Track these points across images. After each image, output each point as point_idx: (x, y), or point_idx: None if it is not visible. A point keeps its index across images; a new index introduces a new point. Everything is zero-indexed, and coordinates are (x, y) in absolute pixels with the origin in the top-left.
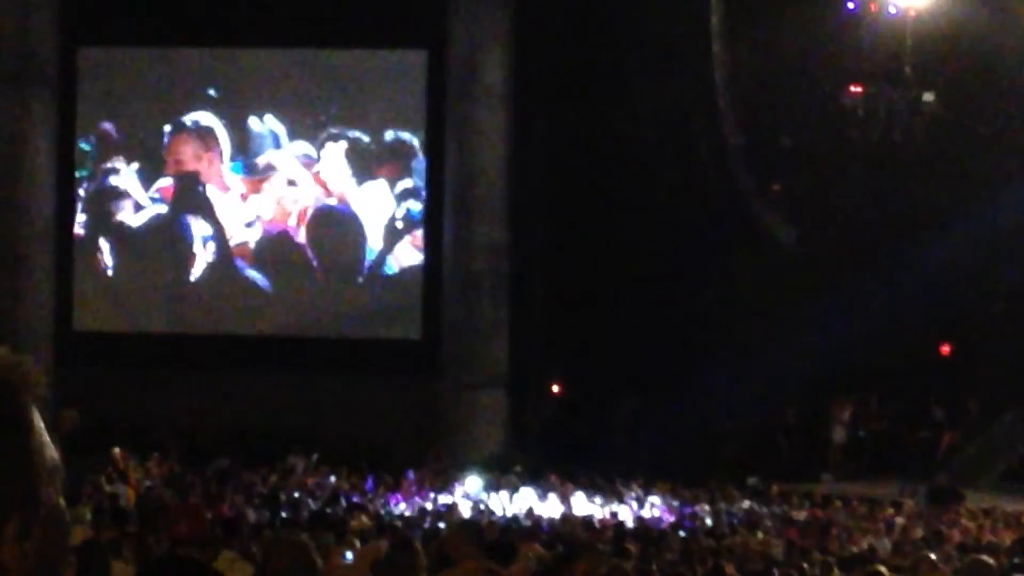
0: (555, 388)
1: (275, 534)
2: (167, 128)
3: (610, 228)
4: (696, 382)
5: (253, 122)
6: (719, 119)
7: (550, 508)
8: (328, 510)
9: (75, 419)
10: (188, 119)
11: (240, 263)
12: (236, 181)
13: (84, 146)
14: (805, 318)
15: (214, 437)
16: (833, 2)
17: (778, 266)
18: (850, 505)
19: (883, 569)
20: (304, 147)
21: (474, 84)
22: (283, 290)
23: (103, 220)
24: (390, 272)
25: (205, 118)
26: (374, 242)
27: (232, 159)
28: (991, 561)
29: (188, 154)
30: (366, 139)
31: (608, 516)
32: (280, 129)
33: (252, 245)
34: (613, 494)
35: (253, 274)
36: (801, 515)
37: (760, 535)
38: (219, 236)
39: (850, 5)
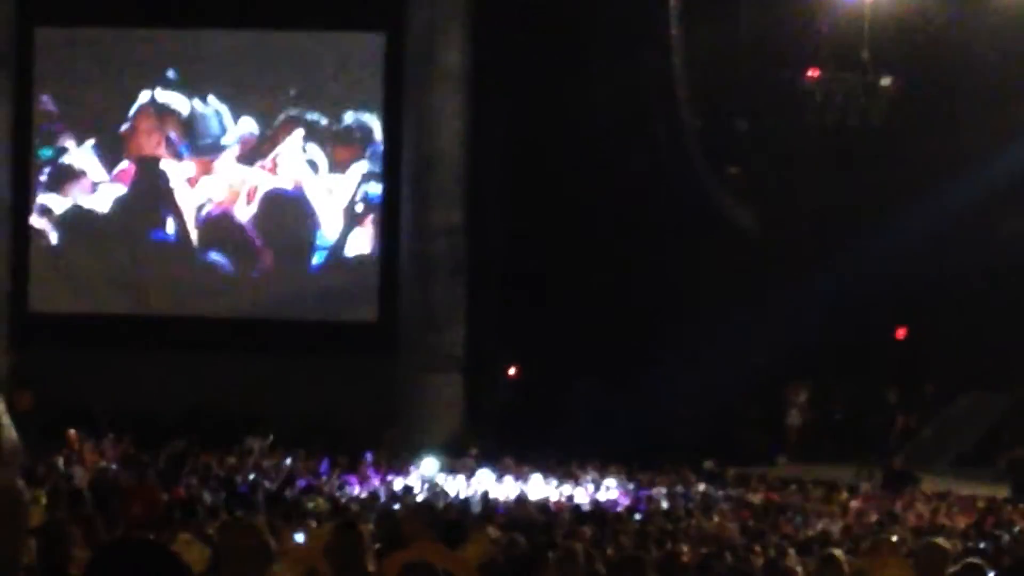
0: (512, 371)
1: (230, 516)
2: (125, 109)
3: (568, 211)
4: (653, 366)
5: (211, 103)
6: (677, 103)
7: (506, 491)
8: (284, 492)
9: (29, 400)
10: (146, 100)
11: (196, 245)
12: (193, 162)
13: (41, 127)
14: (762, 301)
15: (170, 419)
16: None
17: (736, 249)
18: (805, 488)
19: (837, 552)
20: (262, 129)
21: (432, 67)
22: (240, 272)
23: (59, 200)
24: (348, 255)
25: (163, 98)
26: (332, 225)
27: (189, 140)
28: (946, 544)
29: (145, 135)
30: (324, 122)
31: (564, 499)
32: (238, 111)
33: (209, 227)
34: (569, 477)
35: (209, 256)
36: (756, 498)
37: (715, 518)
38: (176, 217)
39: None
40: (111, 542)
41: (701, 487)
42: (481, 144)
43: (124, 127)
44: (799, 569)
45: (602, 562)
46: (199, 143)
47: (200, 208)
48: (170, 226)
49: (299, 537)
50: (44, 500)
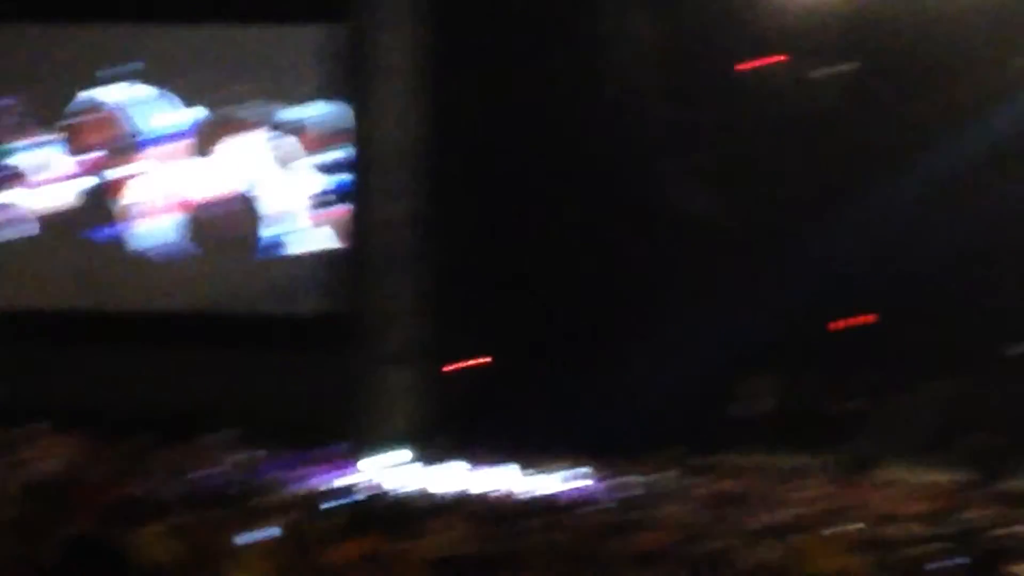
0: (478, 362)
1: (188, 513)
2: (71, 105)
3: (532, 201)
4: (621, 355)
5: (157, 97)
6: (632, 92)
7: (472, 482)
8: (242, 488)
9: None
10: (92, 96)
11: (147, 240)
12: (140, 157)
13: None
14: (727, 291)
15: (127, 415)
16: None
17: (699, 240)
18: (769, 476)
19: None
20: (210, 123)
21: (387, 58)
22: (196, 267)
23: (4, 196)
24: (305, 248)
25: (107, 94)
26: (287, 218)
27: (135, 136)
28: (904, 532)
29: (92, 131)
30: (276, 115)
31: (532, 490)
32: (185, 105)
33: (160, 222)
34: (537, 468)
35: (162, 250)
36: (721, 486)
37: (682, 506)
38: (124, 213)
39: None
40: (67, 540)
41: (668, 475)
42: (435, 136)
43: (69, 123)
44: (762, 556)
45: (570, 552)
46: (145, 138)
47: (149, 203)
48: (120, 222)
49: (259, 533)
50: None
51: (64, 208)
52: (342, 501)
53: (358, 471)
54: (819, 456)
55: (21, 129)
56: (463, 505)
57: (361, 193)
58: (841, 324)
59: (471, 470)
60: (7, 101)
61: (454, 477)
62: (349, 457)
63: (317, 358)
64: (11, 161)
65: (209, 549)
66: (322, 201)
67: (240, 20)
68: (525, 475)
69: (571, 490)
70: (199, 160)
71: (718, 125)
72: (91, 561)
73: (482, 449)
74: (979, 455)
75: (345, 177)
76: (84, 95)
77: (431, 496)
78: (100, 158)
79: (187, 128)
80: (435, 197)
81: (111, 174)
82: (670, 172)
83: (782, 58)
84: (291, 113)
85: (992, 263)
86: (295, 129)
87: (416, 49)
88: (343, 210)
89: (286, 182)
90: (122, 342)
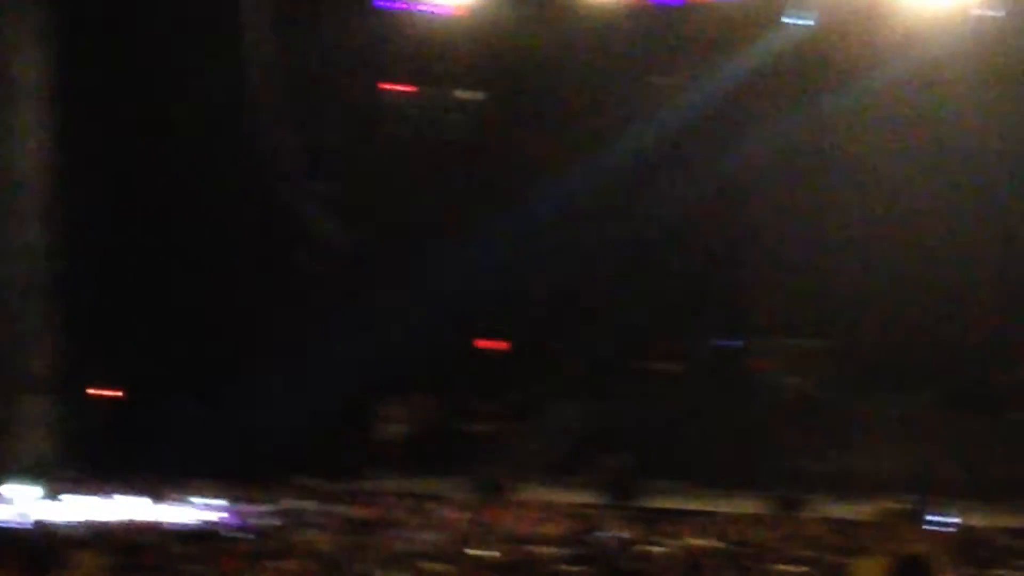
0: (112, 392)
1: None
2: None
3: (159, 227)
4: (249, 381)
5: None
6: (263, 117)
7: (103, 513)
8: None
9: None
10: None
11: None
12: None
13: None
14: (356, 314)
15: None
16: None
17: (328, 264)
18: (401, 501)
19: (434, 564)
20: None
21: (9, 84)
22: None
23: None
24: None
25: None
26: None
27: None
28: (540, 552)
29: None
30: None
31: (169, 520)
32: None
33: None
34: (166, 497)
35: None
36: (352, 512)
37: (311, 533)
38: None
39: (391, 4)
40: None
41: (295, 502)
42: (66, 161)
43: None
44: None
45: None
46: None
47: None
48: None
49: None
50: None
51: None
52: None
53: None
54: (455, 479)
55: None
56: (100, 537)
57: None
58: (475, 347)
59: (106, 500)
60: None
61: (89, 508)
62: None
63: None
64: None
65: None
66: None
67: None
68: (161, 505)
69: (208, 519)
70: None
71: (347, 151)
72: None
73: (117, 479)
74: (612, 476)
75: None
76: None
77: (68, 528)
78: None
79: None
80: (69, 224)
81: None
82: (300, 200)
83: (412, 87)
84: None
85: (619, 288)
86: None
87: (45, 75)
88: None
89: None
90: None
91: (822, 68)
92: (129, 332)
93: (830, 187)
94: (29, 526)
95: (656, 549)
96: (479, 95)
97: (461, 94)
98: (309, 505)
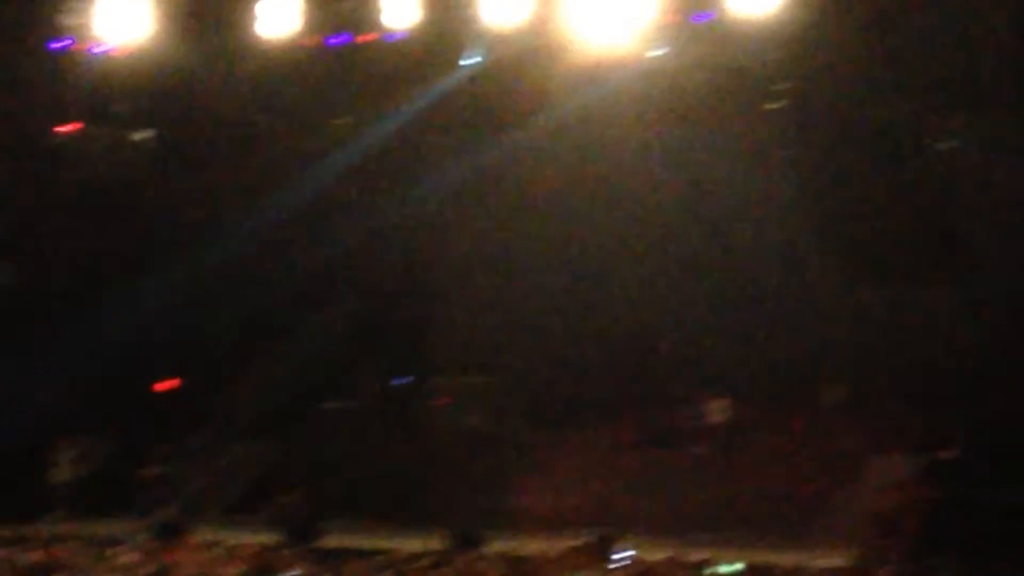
0: None
1: None
2: None
3: None
4: None
5: None
6: None
7: None
8: None
9: None
10: None
11: None
12: None
13: None
14: (28, 356)
15: None
16: (39, 39)
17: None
18: (79, 544)
19: None
20: None
21: None
22: None
23: None
24: None
25: None
26: None
27: None
28: None
29: None
30: None
31: None
32: None
33: None
34: None
35: None
36: (31, 557)
37: None
38: None
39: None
40: None
41: None
42: None
43: None
44: None
45: None
46: None
47: None
48: None
49: None
50: None
51: None
52: None
53: None
54: (133, 522)
55: None
56: None
57: None
58: (150, 388)
59: None
60: None
61: None
62: None
63: None
64: None
65: None
66: None
67: None
68: None
69: None
70: None
71: (20, 193)
72: None
73: None
74: (289, 516)
75: None
76: None
77: None
78: None
79: None
80: None
81: None
82: None
83: (85, 126)
84: None
85: (294, 326)
86: None
87: None
88: None
89: None
90: None
91: (497, 107)
92: None
93: (505, 226)
94: None
95: None
96: (151, 134)
97: (135, 134)
98: None
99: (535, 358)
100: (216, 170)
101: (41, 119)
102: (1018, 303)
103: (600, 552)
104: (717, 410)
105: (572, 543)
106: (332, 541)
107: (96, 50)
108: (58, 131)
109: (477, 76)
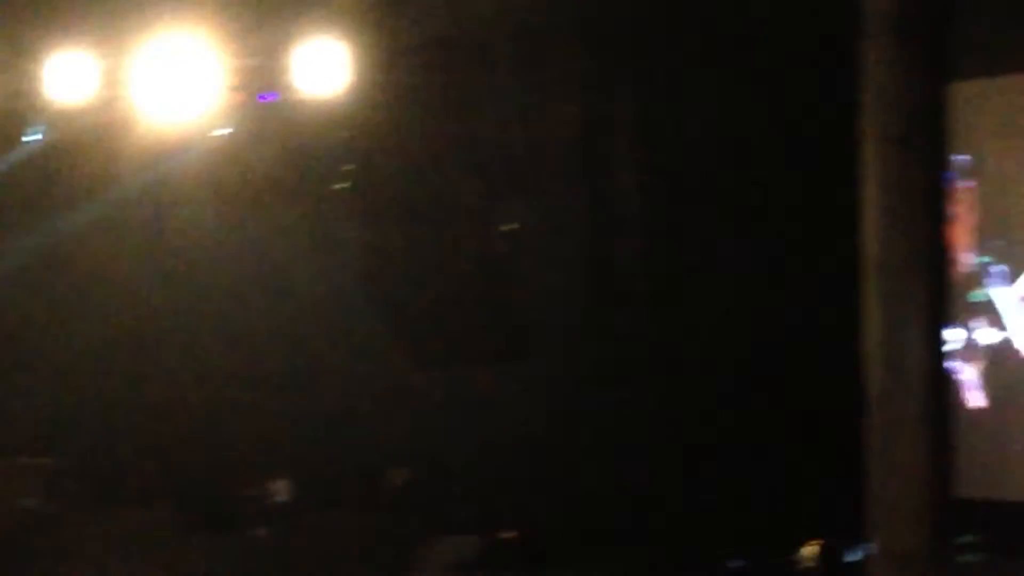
0: None
1: None
2: None
3: None
4: None
5: None
6: None
7: None
8: None
9: None
10: None
11: None
12: None
13: None
14: None
15: None
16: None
17: None
18: None
19: None
20: None
21: None
22: None
23: None
24: None
25: None
26: None
27: None
28: None
29: None
30: None
31: None
32: None
33: None
34: None
35: None
36: None
37: None
38: None
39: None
40: None
41: None
42: None
43: None
44: None
45: None
46: None
47: None
48: None
49: None
50: None
51: None
52: None
53: None
54: None
55: None
56: None
57: None
58: None
59: None
60: None
61: None
62: None
63: None
64: None
65: None
66: None
67: None
68: None
69: None
70: None
71: None
72: None
73: None
74: None
75: None
76: None
77: None
78: None
79: None
80: None
81: None
82: None
83: None
84: None
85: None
86: None
87: None
88: None
89: None
90: None
91: (58, 185)
92: None
93: (63, 306)
94: None
95: None
96: None
97: None
98: None
99: (103, 437)
100: None
101: None
102: (572, 382)
103: None
104: (280, 491)
105: None
106: None
107: None
108: None
109: (36, 153)
